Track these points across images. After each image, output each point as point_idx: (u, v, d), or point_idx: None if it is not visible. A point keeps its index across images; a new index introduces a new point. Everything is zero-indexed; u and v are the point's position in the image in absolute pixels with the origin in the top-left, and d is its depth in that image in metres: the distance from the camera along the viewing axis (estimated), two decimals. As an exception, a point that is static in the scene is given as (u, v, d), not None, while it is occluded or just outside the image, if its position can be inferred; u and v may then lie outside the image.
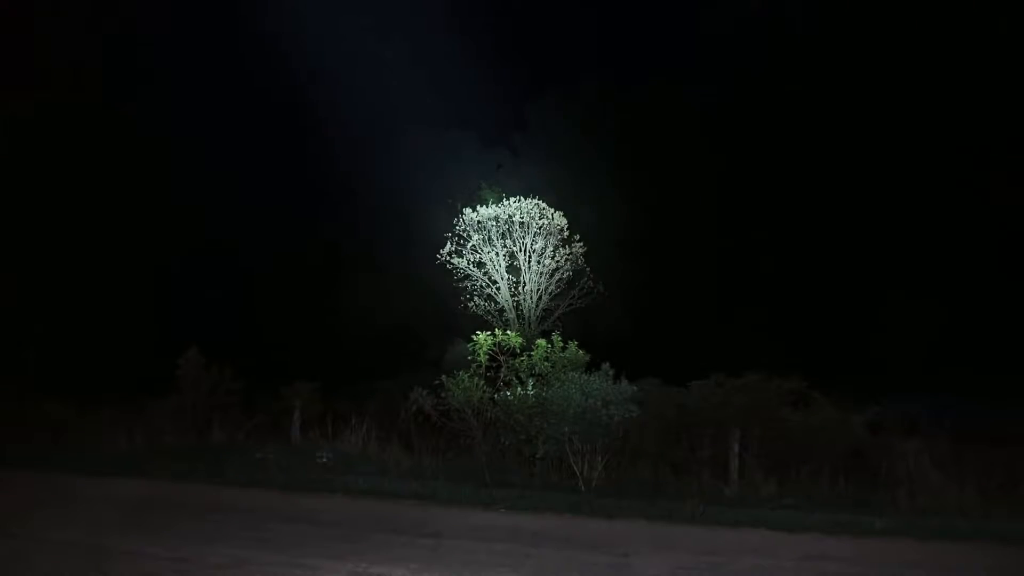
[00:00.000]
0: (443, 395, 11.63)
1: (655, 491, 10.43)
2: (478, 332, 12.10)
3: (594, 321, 16.23)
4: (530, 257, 15.66)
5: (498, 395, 11.53)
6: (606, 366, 11.60)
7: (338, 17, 23.22)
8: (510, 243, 15.60)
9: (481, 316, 15.70)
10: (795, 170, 19.93)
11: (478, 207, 15.77)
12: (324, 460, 11.93)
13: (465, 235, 15.75)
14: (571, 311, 16.10)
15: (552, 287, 15.90)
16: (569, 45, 26.95)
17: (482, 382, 11.59)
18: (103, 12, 21.72)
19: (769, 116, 20.45)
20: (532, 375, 11.61)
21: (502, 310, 15.88)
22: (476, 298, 15.88)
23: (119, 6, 22.04)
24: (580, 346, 11.93)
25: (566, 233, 15.78)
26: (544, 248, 15.61)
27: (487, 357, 11.90)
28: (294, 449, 13.04)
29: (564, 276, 15.90)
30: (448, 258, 15.78)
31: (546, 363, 11.69)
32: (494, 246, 15.64)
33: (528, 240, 15.56)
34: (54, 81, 20.69)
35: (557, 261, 15.72)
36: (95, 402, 14.88)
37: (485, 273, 15.85)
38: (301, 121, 23.92)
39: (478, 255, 15.77)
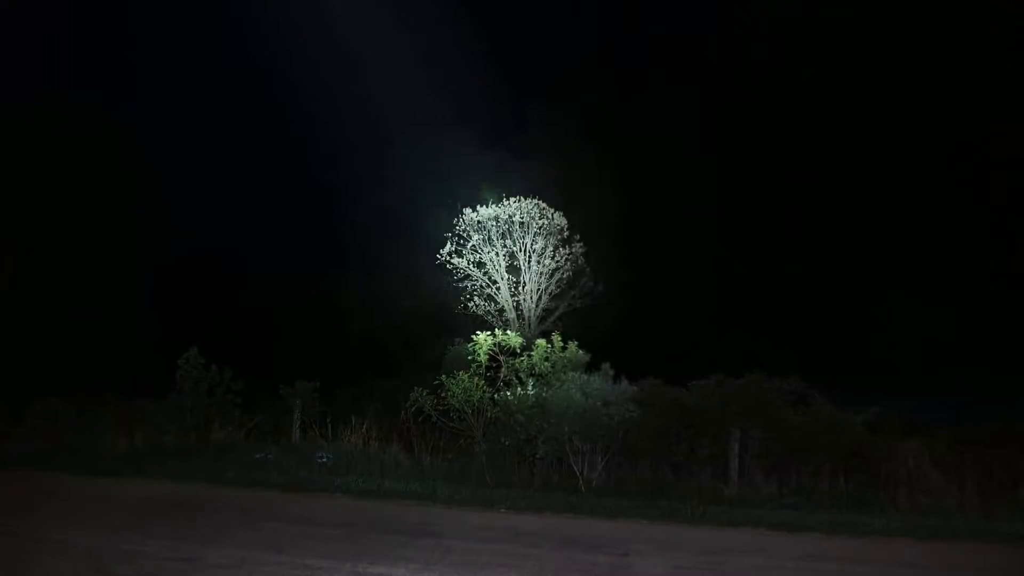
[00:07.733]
0: (443, 395, 11.63)
1: (655, 491, 10.42)
2: (478, 332, 12.11)
3: (594, 321, 16.23)
4: (530, 257, 15.66)
5: (498, 395, 11.53)
6: (606, 366, 11.60)
7: (336, 16, 23.25)
8: (510, 243, 15.61)
9: (481, 316, 15.71)
10: (795, 171, 19.95)
11: (478, 207, 15.77)
12: (324, 460, 11.90)
13: (465, 235, 15.75)
14: (571, 311, 16.10)
15: (552, 287, 15.91)
16: (569, 44, 26.96)
17: (482, 382, 11.59)
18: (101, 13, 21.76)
19: (769, 116, 20.47)
20: (532, 375, 11.62)
21: (502, 310, 15.88)
22: (476, 298, 15.88)
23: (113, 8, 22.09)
24: (580, 346, 11.94)
25: (566, 233, 15.78)
26: (544, 248, 15.62)
27: (487, 357, 11.91)
28: (294, 449, 13.02)
29: (564, 276, 15.90)
30: (448, 258, 15.78)
31: (546, 363, 11.69)
32: (494, 246, 15.65)
33: (528, 240, 15.57)
34: (51, 82, 20.73)
35: (557, 261, 15.73)
36: (95, 402, 14.86)
37: (485, 273, 15.85)
38: (302, 122, 23.96)
39: (478, 255, 15.77)
